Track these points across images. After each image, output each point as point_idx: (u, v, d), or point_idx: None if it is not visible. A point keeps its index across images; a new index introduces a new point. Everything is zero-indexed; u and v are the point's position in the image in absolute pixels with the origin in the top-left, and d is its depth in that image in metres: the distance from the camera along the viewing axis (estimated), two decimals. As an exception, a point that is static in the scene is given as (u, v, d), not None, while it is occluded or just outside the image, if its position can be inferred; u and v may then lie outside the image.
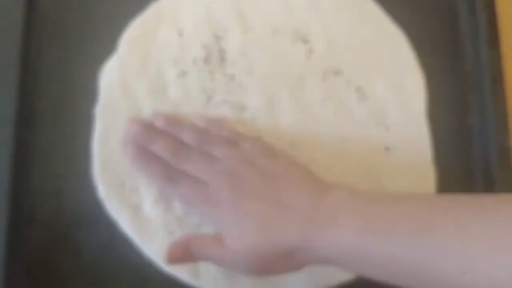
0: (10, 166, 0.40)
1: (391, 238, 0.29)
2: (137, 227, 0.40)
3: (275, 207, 0.33)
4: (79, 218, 0.41)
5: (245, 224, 0.33)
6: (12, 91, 0.41)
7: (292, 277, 0.39)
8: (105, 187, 0.40)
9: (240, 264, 0.34)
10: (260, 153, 0.38)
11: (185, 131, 0.39)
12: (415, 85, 0.44)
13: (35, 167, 0.41)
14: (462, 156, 0.44)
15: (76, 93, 0.43)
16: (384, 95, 0.44)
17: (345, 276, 0.40)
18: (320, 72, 0.44)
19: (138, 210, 0.40)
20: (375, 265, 0.31)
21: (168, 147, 0.38)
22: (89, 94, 0.42)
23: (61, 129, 0.42)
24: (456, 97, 0.45)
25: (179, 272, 0.39)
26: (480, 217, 0.28)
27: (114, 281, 0.40)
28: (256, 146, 0.39)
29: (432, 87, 0.45)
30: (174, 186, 0.37)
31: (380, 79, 0.44)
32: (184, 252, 0.35)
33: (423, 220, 0.30)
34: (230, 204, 0.34)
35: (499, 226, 0.27)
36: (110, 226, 0.40)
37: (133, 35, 0.44)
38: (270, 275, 0.35)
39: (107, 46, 0.43)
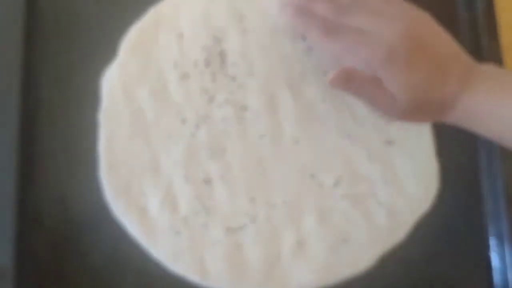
0: (15, 172, 0.40)
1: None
2: (144, 228, 0.40)
3: (439, 67, 0.37)
4: (86, 222, 0.41)
5: (413, 72, 0.36)
6: (14, 98, 0.41)
7: (298, 273, 0.40)
8: (111, 190, 0.41)
9: (396, 107, 0.37)
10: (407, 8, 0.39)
11: None
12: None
13: (40, 173, 0.42)
14: (465, 149, 0.44)
15: (79, 98, 0.43)
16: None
17: (350, 271, 0.40)
18: (320, 69, 0.44)
19: (144, 211, 0.40)
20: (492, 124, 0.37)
21: (329, 2, 0.39)
22: (93, 99, 0.43)
23: (66, 135, 0.42)
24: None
25: (187, 272, 0.40)
26: None
27: (121, 283, 0.40)
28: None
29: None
30: (335, 38, 0.38)
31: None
32: (345, 78, 0.38)
33: None
34: (402, 51, 0.36)
35: None
36: (116, 229, 0.40)
37: (133, 40, 0.44)
38: (416, 121, 0.39)
39: (109, 52, 0.43)
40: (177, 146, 0.42)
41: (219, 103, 0.43)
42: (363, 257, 0.40)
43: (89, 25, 0.45)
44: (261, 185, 0.41)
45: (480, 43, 0.45)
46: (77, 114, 0.43)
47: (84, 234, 0.41)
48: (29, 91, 0.43)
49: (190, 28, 0.45)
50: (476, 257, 0.43)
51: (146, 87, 0.43)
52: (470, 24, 0.46)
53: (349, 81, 0.38)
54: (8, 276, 0.38)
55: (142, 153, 0.41)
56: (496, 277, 0.42)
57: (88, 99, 0.43)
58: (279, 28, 0.45)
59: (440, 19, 0.46)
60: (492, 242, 0.43)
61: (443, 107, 0.37)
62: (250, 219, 0.41)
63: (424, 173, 0.43)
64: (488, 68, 0.38)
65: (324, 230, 0.41)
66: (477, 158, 0.44)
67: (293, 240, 0.40)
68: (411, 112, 0.38)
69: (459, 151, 0.44)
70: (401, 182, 0.42)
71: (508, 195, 0.42)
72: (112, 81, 0.43)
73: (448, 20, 0.46)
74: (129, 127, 0.42)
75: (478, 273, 0.42)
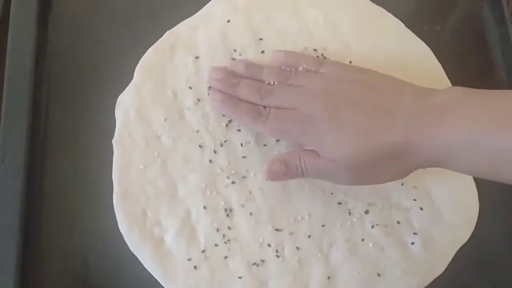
0: (22, 200, 0.38)
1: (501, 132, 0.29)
2: (160, 262, 0.37)
3: (377, 113, 0.33)
4: (97, 254, 0.39)
5: (341, 132, 0.33)
6: (23, 121, 0.40)
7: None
8: (125, 220, 0.38)
9: (337, 174, 0.34)
10: (347, 69, 0.37)
11: (264, 71, 0.39)
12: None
13: (49, 201, 0.40)
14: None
15: (91, 123, 0.41)
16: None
17: None
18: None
19: (160, 243, 0.37)
20: (482, 160, 0.30)
21: (251, 88, 0.38)
22: (106, 123, 0.41)
23: (77, 161, 0.40)
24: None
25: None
26: None
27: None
28: (339, 65, 0.38)
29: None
30: (264, 121, 0.37)
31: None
32: (282, 166, 0.36)
33: None
34: (325, 115, 0.34)
35: None
36: (131, 262, 0.38)
37: (148, 62, 0.42)
38: (372, 183, 0.35)
39: (123, 75, 0.42)
40: (195, 172, 0.39)
41: (235, 127, 0.41)
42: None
43: (104, 47, 0.43)
44: (286, 214, 0.39)
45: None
46: (89, 139, 0.41)
47: (97, 268, 0.38)
48: (39, 115, 0.41)
49: (207, 50, 0.43)
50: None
51: (161, 111, 0.41)
52: (500, 42, 0.45)
53: (285, 168, 0.37)
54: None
55: (157, 180, 0.39)
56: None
57: (101, 123, 0.41)
58: (298, 49, 0.43)
59: (467, 41, 0.45)
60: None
61: (398, 156, 0.32)
62: (274, 252, 0.38)
63: (462, 200, 0.40)
64: (453, 94, 0.32)
65: (355, 262, 0.38)
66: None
67: (322, 275, 0.37)
68: (358, 172, 0.33)
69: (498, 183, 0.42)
70: (439, 209, 0.39)
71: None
72: (126, 104, 0.41)
73: (476, 41, 0.45)
74: (144, 153, 0.39)
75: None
